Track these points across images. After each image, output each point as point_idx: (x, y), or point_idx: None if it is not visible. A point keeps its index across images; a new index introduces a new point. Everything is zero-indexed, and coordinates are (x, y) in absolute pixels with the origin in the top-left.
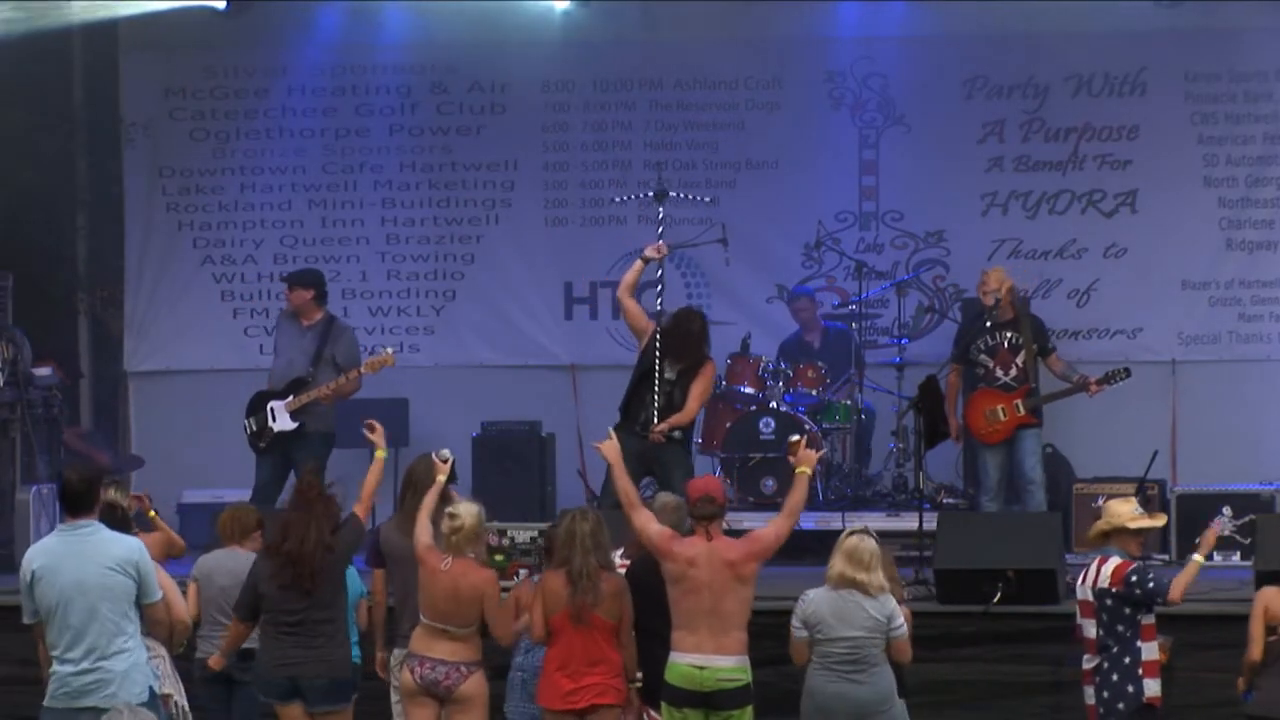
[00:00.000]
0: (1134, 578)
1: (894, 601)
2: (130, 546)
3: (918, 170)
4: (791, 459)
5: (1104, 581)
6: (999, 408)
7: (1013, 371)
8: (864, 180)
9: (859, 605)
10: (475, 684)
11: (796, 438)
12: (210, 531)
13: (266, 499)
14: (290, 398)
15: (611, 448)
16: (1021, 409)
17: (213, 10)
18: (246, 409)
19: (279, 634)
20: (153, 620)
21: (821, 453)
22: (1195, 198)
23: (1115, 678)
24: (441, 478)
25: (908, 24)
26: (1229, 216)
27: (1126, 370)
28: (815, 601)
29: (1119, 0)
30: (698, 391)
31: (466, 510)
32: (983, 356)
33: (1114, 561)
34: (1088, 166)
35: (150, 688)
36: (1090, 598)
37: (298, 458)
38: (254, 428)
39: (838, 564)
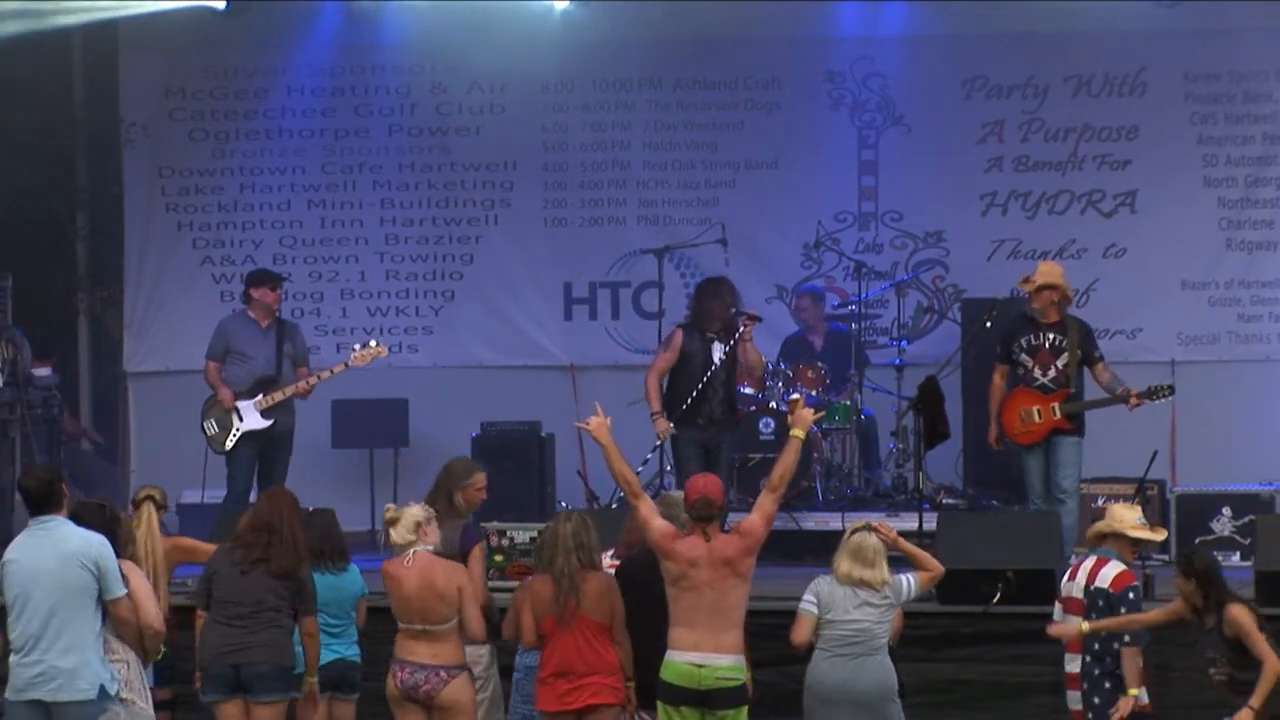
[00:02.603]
0: (1132, 595)
1: (900, 580)
2: (89, 541)
3: (917, 170)
4: (790, 419)
5: (1103, 583)
6: (1035, 409)
7: (1051, 373)
8: (863, 180)
9: (866, 595)
10: (457, 689)
11: (797, 396)
12: (208, 531)
13: (244, 501)
14: (260, 396)
15: (602, 427)
16: (1057, 413)
17: (212, 10)
18: (201, 413)
19: (226, 621)
20: (117, 619)
21: (820, 414)
22: (1195, 198)
23: (1108, 685)
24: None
25: (908, 24)
26: (1229, 216)
27: (1170, 388)
28: (827, 585)
29: (1119, 0)
30: (750, 351)
31: (402, 508)
32: (1024, 356)
33: (1117, 566)
34: (1087, 166)
35: (101, 686)
36: (1082, 596)
37: (273, 455)
38: (215, 429)
39: (844, 563)
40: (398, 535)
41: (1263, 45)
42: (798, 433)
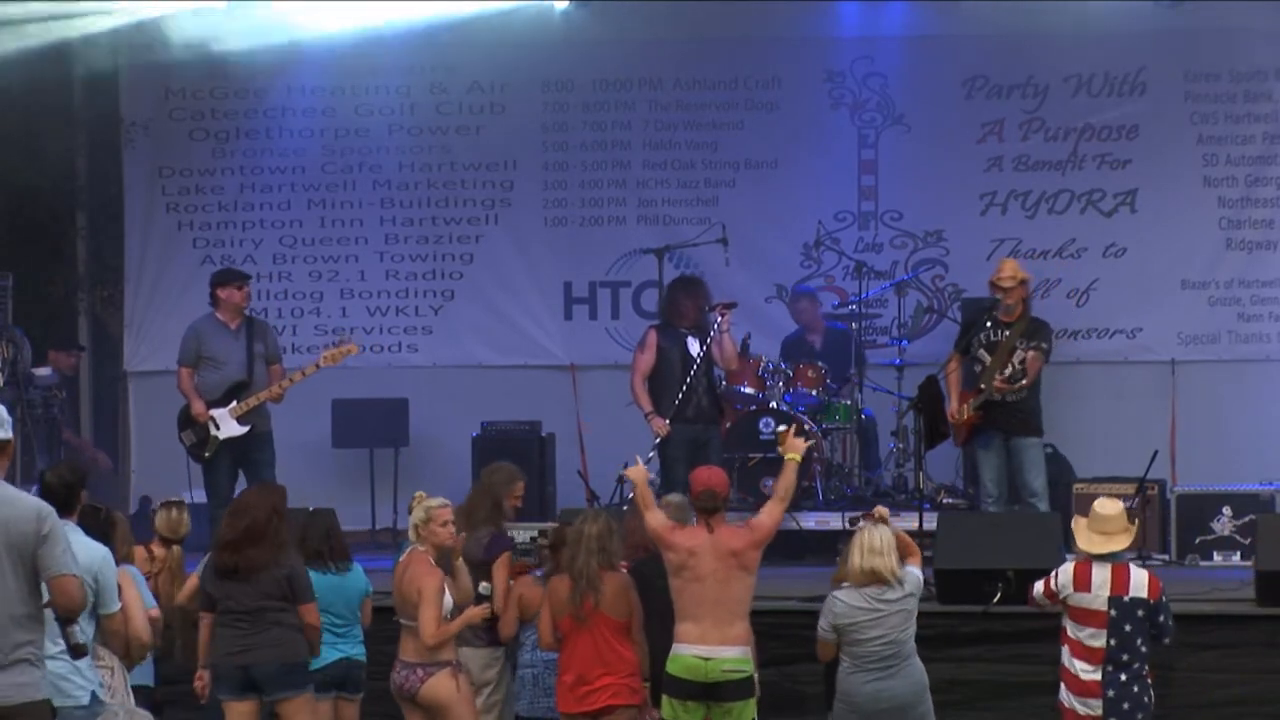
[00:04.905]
0: (1164, 599)
1: (911, 573)
2: (93, 554)
3: (917, 170)
4: (780, 449)
5: (1139, 591)
6: (964, 407)
7: (1007, 371)
8: (863, 180)
9: (886, 601)
10: (435, 686)
11: (784, 428)
12: (209, 532)
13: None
14: (234, 403)
15: (639, 474)
16: (971, 409)
17: (213, 10)
18: (178, 424)
19: (231, 623)
20: (109, 631)
21: (810, 442)
22: (1195, 198)
23: (1135, 689)
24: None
25: (908, 24)
26: (1229, 216)
27: (1024, 373)
28: (844, 604)
29: (1119, 0)
30: (727, 341)
31: (420, 503)
32: (981, 351)
33: (1143, 572)
34: (1087, 166)
35: (93, 693)
36: (1106, 607)
37: (255, 458)
38: (193, 439)
39: (855, 557)
40: (412, 533)
41: (1263, 45)
42: (793, 457)
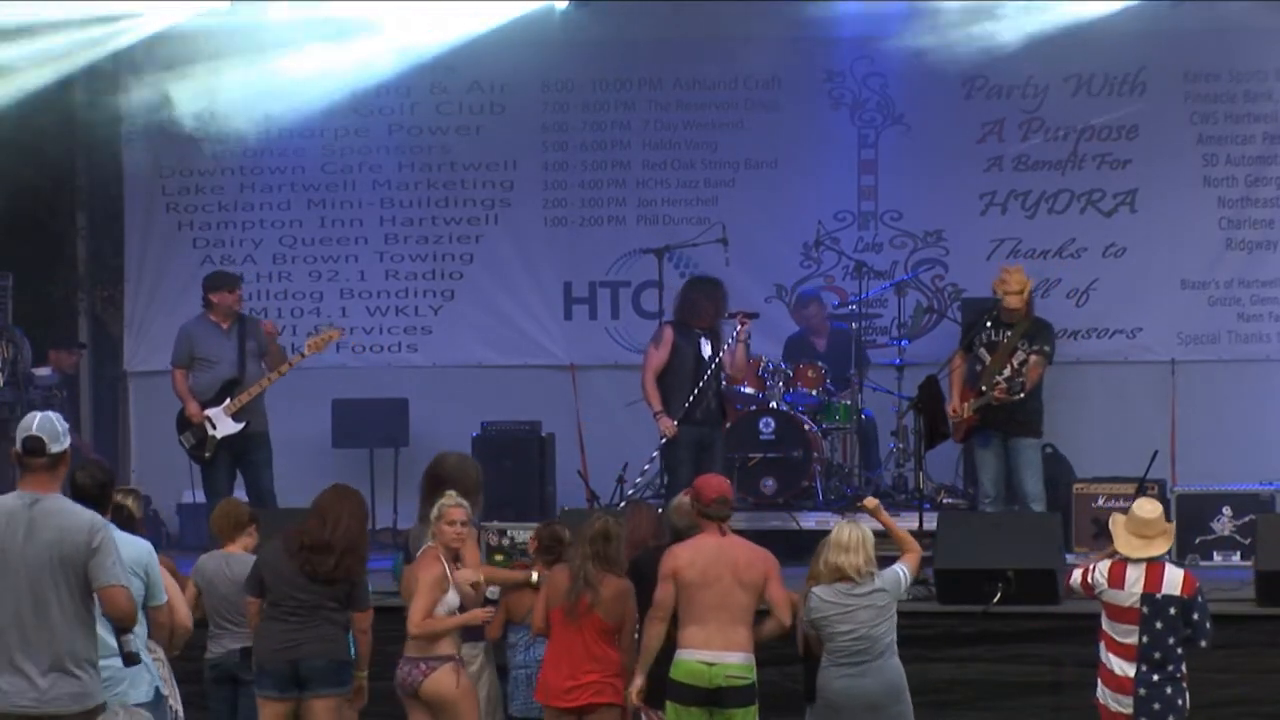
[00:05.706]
0: (1201, 599)
1: (893, 570)
2: (140, 549)
3: (917, 170)
4: None
5: (1172, 589)
6: (965, 405)
7: (1007, 371)
8: (863, 180)
9: (854, 596)
10: (437, 681)
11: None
12: (207, 531)
13: None
14: (227, 401)
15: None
16: (970, 410)
17: (214, 10)
18: (177, 426)
19: (283, 615)
20: (156, 623)
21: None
22: (1195, 197)
23: (1169, 690)
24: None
25: (908, 24)
26: (1228, 216)
27: (1021, 387)
28: (817, 599)
29: (1119, 0)
30: (740, 350)
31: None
32: (982, 351)
33: (1179, 570)
34: (1087, 166)
35: (156, 687)
36: (1138, 604)
37: (254, 457)
38: (193, 440)
39: (823, 553)
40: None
41: (1263, 45)
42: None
